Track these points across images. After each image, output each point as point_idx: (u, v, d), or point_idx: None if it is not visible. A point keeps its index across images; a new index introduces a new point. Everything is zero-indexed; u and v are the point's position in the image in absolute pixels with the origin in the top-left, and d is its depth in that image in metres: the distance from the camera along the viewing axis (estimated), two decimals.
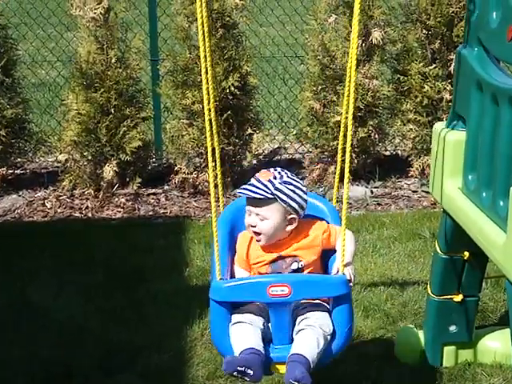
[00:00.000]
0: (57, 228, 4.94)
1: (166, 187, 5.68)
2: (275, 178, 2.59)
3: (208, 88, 2.47)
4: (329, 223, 2.70)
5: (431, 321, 3.18)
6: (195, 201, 5.49)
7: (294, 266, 2.59)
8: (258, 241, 2.61)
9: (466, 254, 2.99)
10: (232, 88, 5.34)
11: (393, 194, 5.61)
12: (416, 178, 5.69)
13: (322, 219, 2.71)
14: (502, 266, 2.38)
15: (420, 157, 5.64)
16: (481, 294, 3.21)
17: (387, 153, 6.12)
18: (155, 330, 3.51)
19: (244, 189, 2.60)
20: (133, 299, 3.80)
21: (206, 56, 2.43)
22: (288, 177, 2.62)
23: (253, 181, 2.61)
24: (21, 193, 5.53)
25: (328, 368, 3.14)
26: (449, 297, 3.10)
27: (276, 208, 2.57)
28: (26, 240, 4.66)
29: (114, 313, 3.65)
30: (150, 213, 5.31)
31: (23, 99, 5.62)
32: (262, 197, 2.56)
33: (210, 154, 2.51)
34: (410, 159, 5.73)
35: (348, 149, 2.47)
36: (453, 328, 3.15)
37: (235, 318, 2.48)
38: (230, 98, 5.38)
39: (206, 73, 2.47)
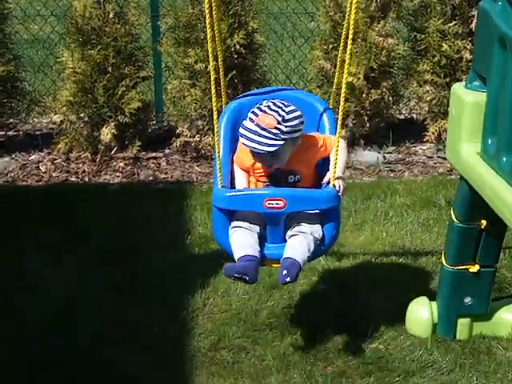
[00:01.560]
0: (52, 193, 4.94)
1: (166, 151, 5.68)
2: (279, 122, 2.79)
3: (214, 46, 2.56)
4: (323, 133, 3.00)
5: (445, 292, 3.20)
6: (198, 165, 5.49)
7: (291, 178, 2.92)
8: (270, 168, 2.89)
9: (484, 222, 3.00)
10: (237, 46, 5.29)
11: (407, 159, 5.60)
12: (432, 143, 5.67)
13: (316, 133, 3.00)
14: None
15: (436, 120, 5.61)
16: (498, 265, 3.23)
17: (401, 116, 6.09)
18: (156, 300, 3.55)
19: (252, 141, 2.78)
20: (132, 269, 3.83)
21: (211, 11, 2.42)
22: (287, 112, 2.83)
23: (257, 129, 2.79)
24: (14, 155, 5.53)
25: (336, 338, 3.20)
26: (464, 267, 3.12)
27: (286, 145, 2.84)
28: (19, 205, 4.68)
29: (113, 283, 3.68)
30: (150, 178, 5.31)
31: (15, 56, 5.59)
32: (276, 148, 2.79)
33: (215, 117, 2.66)
34: (425, 123, 5.70)
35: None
36: (468, 300, 3.18)
37: (234, 222, 2.88)
38: (235, 56, 5.35)
39: (212, 30, 2.51)
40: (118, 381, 2.94)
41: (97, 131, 5.44)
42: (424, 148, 5.75)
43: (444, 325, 3.23)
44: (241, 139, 2.85)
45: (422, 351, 3.13)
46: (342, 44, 2.86)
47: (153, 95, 5.99)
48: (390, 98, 5.57)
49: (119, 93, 5.36)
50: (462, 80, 3.01)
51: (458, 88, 2.93)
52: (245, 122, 2.86)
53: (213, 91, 2.73)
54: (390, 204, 4.67)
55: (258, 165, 2.93)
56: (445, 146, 3.20)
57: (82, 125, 5.45)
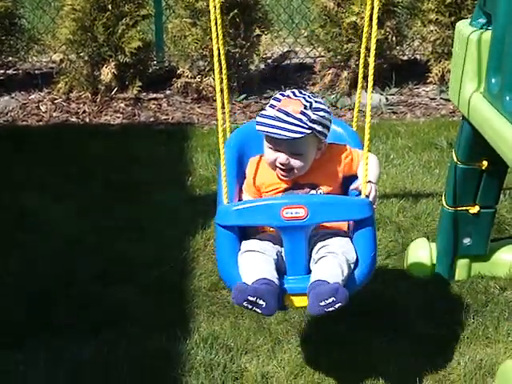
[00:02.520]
0: (52, 133, 4.92)
1: (167, 92, 5.62)
2: (306, 107, 2.38)
3: None
4: (350, 147, 2.55)
5: (445, 233, 3.20)
6: (199, 107, 5.44)
7: (312, 193, 2.45)
8: (284, 176, 2.44)
9: (485, 163, 2.97)
10: None
11: (409, 101, 5.54)
12: (435, 84, 5.61)
13: (343, 144, 2.57)
14: None
15: (440, 61, 5.53)
16: (498, 206, 3.22)
17: (405, 57, 6.01)
18: (156, 242, 3.55)
19: (272, 127, 2.35)
20: (133, 211, 3.83)
21: None
22: (315, 101, 2.43)
23: (279, 114, 2.36)
24: (13, 94, 5.49)
25: None
26: (464, 208, 3.11)
27: (311, 141, 2.40)
28: (20, 146, 4.66)
29: (113, 225, 3.68)
30: (151, 119, 5.27)
31: None
32: (301, 135, 2.34)
33: (215, 57, 2.31)
34: (429, 64, 5.62)
35: (372, 54, 2.32)
36: (467, 240, 3.18)
37: (245, 245, 2.33)
38: None
39: None
40: (118, 320, 2.97)
41: (97, 71, 5.38)
42: (427, 89, 5.69)
43: (443, 265, 3.24)
44: (257, 127, 2.40)
45: (420, 291, 3.15)
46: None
47: (153, 34, 5.90)
48: (394, 39, 5.48)
49: (119, 31, 5.28)
50: (467, 19, 2.93)
51: (462, 25, 2.86)
52: (265, 109, 2.42)
53: (213, 33, 2.31)
54: (392, 146, 4.64)
55: (270, 180, 2.48)
56: (448, 88, 3.15)
57: (81, 64, 5.39)
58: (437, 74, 5.52)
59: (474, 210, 3.10)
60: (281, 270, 2.31)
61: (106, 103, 5.37)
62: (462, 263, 3.23)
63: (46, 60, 5.88)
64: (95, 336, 2.87)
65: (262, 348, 2.83)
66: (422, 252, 3.28)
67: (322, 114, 2.41)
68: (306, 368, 2.73)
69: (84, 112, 5.29)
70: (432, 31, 5.48)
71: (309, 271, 2.30)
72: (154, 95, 5.56)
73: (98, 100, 5.37)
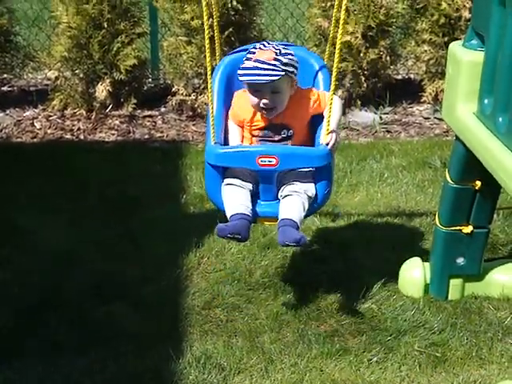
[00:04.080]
0: (47, 150, 4.92)
1: (162, 109, 5.63)
2: (277, 54, 2.81)
3: (208, 2, 2.55)
4: (318, 89, 2.96)
5: (438, 253, 3.20)
6: (193, 124, 5.45)
7: (284, 133, 2.90)
8: (267, 115, 2.86)
9: (478, 183, 2.98)
10: (234, 3, 5.21)
11: (403, 120, 5.57)
12: (429, 103, 5.64)
13: (311, 88, 2.96)
14: None
15: (434, 81, 5.56)
16: (491, 226, 3.23)
17: (399, 76, 6.04)
18: (150, 259, 3.54)
19: (253, 75, 2.77)
20: (126, 228, 3.82)
21: None
22: (283, 48, 2.85)
23: (256, 64, 2.78)
24: (8, 111, 5.49)
25: (329, 299, 3.21)
26: (458, 228, 3.11)
27: (286, 80, 2.82)
28: (14, 162, 4.65)
29: (107, 242, 3.67)
30: (146, 136, 5.28)
31: (8, 9, 5.51)
32: (278, 77, 2.77)
33: (209, 73, 2.67)
34: (423, 83, 5.65)
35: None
36: (460, 260, 3.18)
37: (227, 179, 2.87)
38: (232, 13, 5.27)
39: None
40: (110, 338, 2.95)
41: (92, 88, 5.39)
42: (421, 109, 5.71)
43: (436, 285, 3.24)
44: (240, 78, 2.82)
45: (414, 311, 3.14)
46: (337, 1, 2.84)
47: (149, 52, 5.93)
48: (388, 58, 5.51)
49: (114, 49, 5.29)
50: (460, 39, 2.95)
51: (455, 47, 2.88)
52: (243, 63, 2.84)
53: (207, 49, 2.71)
54: (386, 165, 4.66)
55: (254, 116, 2.91)
56: (441, 107, 3.17)
57: (76, 81, 5.40)
58: (430, 94, 5.55)
59: (468, 229, 3.11)
60: (255, 195, 2.88)
61: (100, 120, 5.38)
62: (455, 283, 3.23)
63: (41, 77, 5.89)
64: (85, 354, 2.85)
65: (255, 368, 2.82)
66: (415, 271, 3.28)
67: (290, 57, 2.85)
68: None
69: (79, 129, 5.29)
70: (426, 51, 5.52)
71: (277, 197, 2.87)
72: (149, 112, 5.57)
73: (92, 117, 5.38)
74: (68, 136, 5.23)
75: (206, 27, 2.63)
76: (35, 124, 5.35)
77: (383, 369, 2.81)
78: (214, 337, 3.00)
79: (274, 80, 2.78)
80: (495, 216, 3.51)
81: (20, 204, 4.07)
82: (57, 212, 3.98)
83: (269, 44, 2.88)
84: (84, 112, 5.40)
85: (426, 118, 5.60)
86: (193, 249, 3.61)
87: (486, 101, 2.68)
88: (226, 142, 2.94)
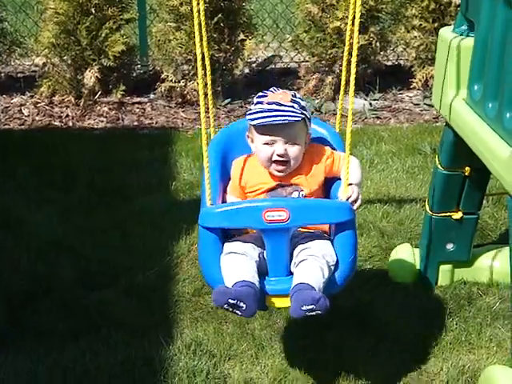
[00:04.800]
0: (35, 137, 4.89)
1: (151, 96, 5.61)
2: (293, 96, 2.48)
3: None
4: (332, 150, 2.59)
5: (428, 239, 3.21)
6: (183, 111, 5.43)
7: (295, 195, 2.49)
8: (280, 171, 2.48)
9: (468, 169, 2.99)
10: None
11: (393, 106, 5.57)
12: (418, 89, 5.64)
13: (324, 145, 2.61)
14: (505, 182, 2.38)
15: (424, 67, 5.56)
16: (481, 212, 3.24)
17: (389, 63, 6.04)
18: (139, 247, 3.53)
19: (269, 116, 2.41)
20: (116, 216, 3.81)
21: None
22: (296, 94, 2.53)
23: (272, 106, 2.42)
24: None
25: None
26: (447, 214, 3.12)
27: (302, 129, 2.47)
28: (2, 150, 4.62)
29: (96, 230, 3.66)
30: (135, 123, 5.26)
31: None
32: (299, 119, 2.42)
33: (199, 61, 2.37)
34: (412, 69, 5.65)
35: (354, 59, 2.38)
36: (450, 246, 3.19)
37: (228, 247, 2.38)
38: None
39: None
40: (101, 325, 2.95)
41: (80, 75, 5.36)
42: (411, 95, 5.72)
43: (426, 271, 3.25)
44: (255, 122, 2.44)
45: (404, 297, 3.15)
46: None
47: (137, 38, 5.89)
48: (378, 44, 5.51)
49: (102, 35, 5.26)
50: (450, 25, 2.95)
51: (445, 32, 2.88)
52: (252, 108, 2.47)
53: (197, 37, 2.34)
54: (376, 151, 4.66)
55: (255, 180, 2.52)
56: (431, 94, 3.17)
57: (65, 68, 5.37)
58: (420, 80, 5.55)
59: (457, 215, 3.12)
60: (262, 271, 2.35)
61: (89, 107, 5.35)
62: (444, 269, 3.24)
63: (29, 63, 5.85)
64: (76, 341, 2.85)
65: (246, 354, 2.83)
66: (405, 257, 3.29)
67: (305, 103, 2.52)
68: (290, 374, 2.73)
69: (67, 116, 5.26)
70: (416, 37, 5.52)
71: (290, 273, 2.35)
72: (138, 99, 5.55)
73: (81, 104, 5.35)
74: (56, 123, 5.20)
75: (195, 15, 2.40)
76: (23, 111, 5.32)
77: (374, 354, 2.83)
78: (204, 323, 3.00)
79: (294, 121, 2.41)
80: (484, 202, 3.52)
81: (8, 192, 4.05)
82: (45, 200, 3.96)
83: (278, 89, 2.52)
84: (72, 99, 5.37)
85: (415, 105, 5.61)
86: (183, 236, 3.60)
87: (475, 87, 2.68)
88: None
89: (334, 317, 3.02)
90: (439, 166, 3.06)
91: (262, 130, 2.45)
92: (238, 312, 2.21)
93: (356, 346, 2.86)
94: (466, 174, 3.01)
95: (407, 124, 5.29)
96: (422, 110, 5.53)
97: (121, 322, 2.98)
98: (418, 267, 3.27)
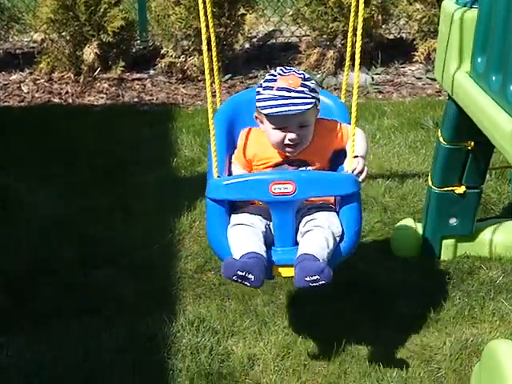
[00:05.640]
0: (35, 114, 4.87)
1: (151, 72, 5.57)
2: (302, 79, 2.43)
3: None
4: (340, 122, 2.58)
5: (431, 214, 3.20)
6: (183, 87, 5.40)
7: (302, 169, 2.50)
8: (292, 152, 2.48)
9: (471, 143, 2.97)
10: None
11: (395, 80, 5.53)
12: (421, 63, 5.59)
13: (331, 118, 2.60)
14: (509, 155, 2.36)
15: (426, 40, 5.51)
16: (484, 186, 3.22)
17: (391, 36, 5.98)
18: (141, 224, 3.53)
19: (280, 106, 2.38)
20: (117, 192, 3.80)
21: None
22: (303, 72, 2.50)
23: (282, 93, 2.39)
24: None
25: None
26: (450, 188, 3.11)
27: (313, 112, 2.46)
28: (1, 127, 4.60)
29: (97, 207, 3.65)
30: (135, 100, 5.23)
31: None
32: (310, 106, 2.40)
33: (204, 35, 2.36)
34: (415, 43, 5.60)
35: (359, 32, 2.32)
36: (453, 221, 3.18)
37: (234, 219, 2.40)
38: None
39: None
40: (104, 302, 2.95)
41: (79, 51, 5.32)
42: (413, 69, 5.67)
43: (429, 245, 3.25)
44: (263, 110, 2.43)
45: (406, 272, 3.15)
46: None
47: (136, 13, 5.83)
48: (380, 17, 5.45)
49: (101, 10, 5.22)
50: None
51: (448, 4, 2.84)
52: (262, 93, 2.44)
53: (201, 10, 2.41)
54: (378, 126, 4.63)
55: (262, 153, 2.52)
56: (434, 67, 3.14)
57: (63, 44, 5.33)
58: (423, 53, 5.50)
59: (460, 190, 3.11)
60: (269, 242, 2.37)
61: (89, 84, 5.32)
62: (447, 243, 3.24)
63: (27, 39, 5.80)
64: (79, 320, 2.85)
65: (249, 330, 2.83)
66: (408, 232, 3.28)
67: (313, 82, 2.48)
68: (293, 349, 2.73)
69: (67, 92, 5.23)
70: (418, 9, 5.46)
71: (296, 243, 2.38)
72: (138, 75, 5.51)
73: (80, 80, 5.32)
74: (56, 100, 5.17)
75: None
76: (22, 88, 5.29)
77: (377, 329, 2.83)
78: (207, 300, 3.00)
79: (306, 110, 2.39)
80: (487, 176, 3.50)
81: (8, 170, 4.04)
82: (46, 177, 3.95)
83: (288, 69, 2.48)
84: (72, 75, 5.34)
85: (418, 78, 5.56)
86: (184, 213, 3.60)
87: (479, 59, 2.65)
88: None
89: (337, 291, 3.02)
90: (442, 141, 3.04)
91: (273, 119, 2.44)
92: (246, 283, 2.23)
93: (358, 321, 2.87)
94: (469, 148, 2.99)
95: (409, 98, 5.25)
96: (424, 84, 5.49)
97: (123, 299, 2.99)
98: (420, 242, 3.26)
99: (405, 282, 3.09)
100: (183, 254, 3.32)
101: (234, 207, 2.46)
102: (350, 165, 2.39)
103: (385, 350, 2.73)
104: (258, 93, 2.47)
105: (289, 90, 2.39)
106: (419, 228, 3.28)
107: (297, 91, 2.39)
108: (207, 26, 2.41)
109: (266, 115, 2.44)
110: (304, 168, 2.50)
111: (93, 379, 2.59)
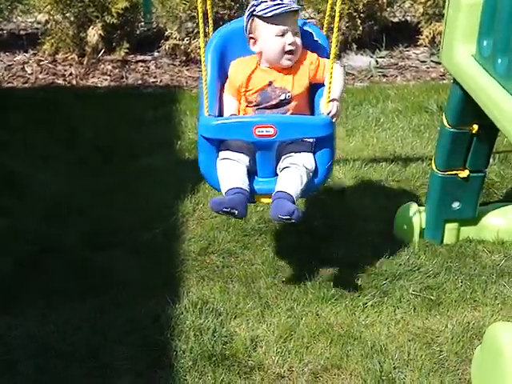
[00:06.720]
0: (39, 96, 4.85)
1: (155, 54, 5.54)
2: None
3: None
4: (319, 55, 2.80)
5: (434, 197, 3.20)
6: (187, 69, 5.37)
7: (282, 96, 2.74)
8: (290, 60, 2.73)
9: (475, 127, 2.96)
10: None
11: (399, 64, 5.50)
12: (425, 46, 5.56)
13: (311, 51, 2.80)
14: None
15: (431, 23, 5.47)
16: (487, 170, 3.22)
17: (395, 19, 5.94)
18: (145, 206, 3.53)
19: (282, 6, 2.68)
20: (121, 175, 3.80)
21: None
22: None
23: (278, 1, 2.69)
24: None
25: (325, 244, 3.22)
26: (454, 172, 3.10)
27: (297, 20, 2.76)
28: (5, 108, 4.59)
29: (102, 189, 3.65)
30: (139, 82, 5.21)
31: None
32: (301, 7, 2.71)
33: (200, 19, 2.48)
34: (419, 26, 5.56)
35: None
36: (456, 205, 3.18)
37: (223, 154, 2.70)
38: None
39: None
40: (108, 284, 2.96)
41: (83, 32, 5.29)
42: (417, 52, 5.64)
43: (432, 229, 3.24)
44: (270, 14, 2.67)
45: (409, 255, 3.15)
46: None
47: None
48: (384, 0, 5.40)
49: None
50: None
51: None
52: (259, 5, 2.71)
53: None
54: (382, 110, 4.61)
55: (252, 79, 2.76)
56: (438, 50, 3.12)
57: (67, 25, 5.29)
58: (427, 36, 5.47)
59: (464, 174, 3.10)
60: (252, 172, 2.71)
61: (92, 65, 5.29)
62: (450, 227, 3.23)
63: (31, 20, 5.77)
64: (83, 301, 2.86)
65: (252, 312, 2.84)
66: (411, 216, 3.28)
67: None
68: (295, 331, 2.74)
69: (71, 74, 5.21)
70: None
71: (276, 174, 2.70)
72: (142, 57, 5.49)
73: (84, 62, 5.29)
74: (60, 81, 5.15)
75: None
76: (26, 69, 5.27)
77: (378, 312, 2.84)
78: (210, 282, 3.01)
79: (299, 9, 2.71)
80: (491, 160, 3.49)
81: (13, 151, 4.03)
82: (50, 159, 3.95)
83: None
84: (76, 57, 5.31)
85: (422, 62, 5.53)
86: (188, 195, 3.59)
87: (484, 42, 2.63)
88: (220, 116, 2.76)
89: (339, 272, 3.03)
90: (446, 124, 3.02)
91: (274, 20, 2.70)
92: (231, 216, 2.60)
93: (360, 304, 2.87)
94: (474, 131, 2.98)
95: (414, 82, 5.23)
96: (428, 68, 5.46)
97: (127, 281, 3.00)
98: (423, 225, 3.26)
99: (407, 266, 3.09)
100: (187, 236, 3.32)
101: (222, 140, 2.71)
102: (326, 107, 2.62)
103: (387, 333, 2.74)
104: (254, 6, 2.72)
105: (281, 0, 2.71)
106: (422, 212, 3.28)
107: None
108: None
109: (266, 19, 2.69)
110: (284, 94, 2.73)
111: (98, 359, 2.60)
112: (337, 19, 2.53)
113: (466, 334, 2.72)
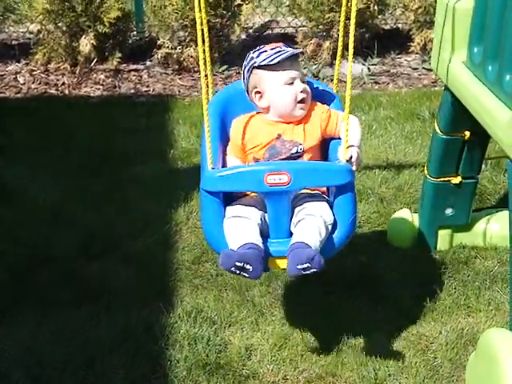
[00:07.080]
0: (31, 106, 4.85)
1: (148, 63, 5.55)
2: (287, 45, 2.60)
3: None
4: (330, 108, 2.62)
5: (427, 204, 3.20)
6: (180, 78, 5.38)
7: (294, 150, 2.51)
8: (303, 108, 2.54)
9: (467, 133, 2.97)
10: None
11: (391, 71, 5.52)
12: (417, 53, 5.59)
13: (322, 102, 2.63)
14: (505, 145, 2.36)
15: (422, 30, 5.50)
16: (480, 176, 3.23)
17: (387, 26, 5.97)
18: (138, 214, 3.52)
19: (283, 52, 2.51)
20: (114, 183, 3.79)
21: None
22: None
23: (277, 48, 2.53)
24: None
25: None
26: (447, 179, 3.11)
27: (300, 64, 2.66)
28: None
29: (94, 197, 3.65)
30: (132, 91, 5.21)
31: None
32: (301, 51, 2.63)
33: (198, 26, 2.36)
34: (411, 33, 5.59)
35: (352, 21, 2.39)
36: (449, 211, 3.19)
37: (230, 211, 2.41)
38: None
39: None
40: (101, 292, 2.95)
41: (76, 42, 5.30)
42: (409, 59, 5.67)
43: (425, 236, 3.25)
44: (273, 62, 2.49)
45: (403, 262, 3.16)
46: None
47: (133, 4, 5.80)
48: (376, 7, 5.43)
49: (97, 1, 5.20)
50: None
51: None
52: (260, 56, 2.53)
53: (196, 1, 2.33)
54: (374, 117, 4.63)
55: (255, 135, 2.55)
56: (430, 57, 3.13)
57: (60, 35, 5.30)
58: (419, 44, 5.49)
59: (457, 180, 3.11)
60: (264, 234, 2.39)
61: (85, 75, 5.29)
62: (444, 233, 3.24)
63: (23, 30, 5.78)
64: (77, 309, 2.85)
65: (246, 321, 2.84)
66: (404, 223, 3.28)
67: None
68: (290, 340, 2.74)
69: (63, 84, 5.21)
70: (414, 0, 5.45)
71: (291, 234, 2.39)
72: (135, 66, 5.49)
73: (77, 71, 5.30)
74: (52, 91, 5.15)
75: None
76: (18, 79, 5.27)
77: (374, 319, 2.84)
78: (204, 291, 3.00)
79: (299, 53, 2.57)
80: (484, 166, 3.50)
81: (6, 160, 4.03)
82: (43, 168, 3.94)
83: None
84: (68, 66, 5.31)
85: (414, 69, 5.56)
86: (181, 204, 3.59)
87: (475, 49, 2.65)
88: None
89: (333, 282, 3.03)
90: (438, 131, 3.04)
91: (281, 67, 2.50)
92: (245, 274, 2.23)
93: (355, 311, 2.87)
94: (466, 138, 2.99)
95: (406, 89, 5.25)
96: (420, 75, 5.48)
97: (121, 289, 2.99)
98: (416, 232, 3.26)
99: (401, 272, 3.10)
100: (180, 244, 3.32)
101: (229, 198, 2.47)
102: (344, 154, 2.38)
103: (381, 340, 2.74)
104: (254, 58, 2.54)
105: (280, 47, 2.54)
106: (415, 218, 3.28)
107: (286, 46, 2.56)
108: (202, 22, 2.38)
109: (276, 64, 2.49)
110: (295, 148, 2.51)
111: (91, 368, 2.59)
112: (350, 70, 2.39)
113: (460, 341, 2.72)
